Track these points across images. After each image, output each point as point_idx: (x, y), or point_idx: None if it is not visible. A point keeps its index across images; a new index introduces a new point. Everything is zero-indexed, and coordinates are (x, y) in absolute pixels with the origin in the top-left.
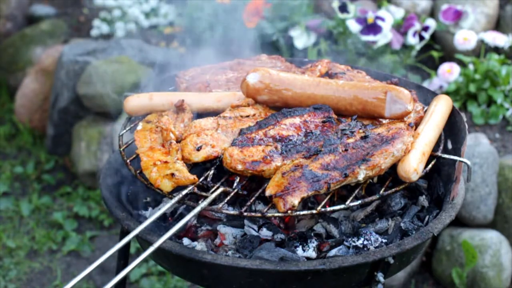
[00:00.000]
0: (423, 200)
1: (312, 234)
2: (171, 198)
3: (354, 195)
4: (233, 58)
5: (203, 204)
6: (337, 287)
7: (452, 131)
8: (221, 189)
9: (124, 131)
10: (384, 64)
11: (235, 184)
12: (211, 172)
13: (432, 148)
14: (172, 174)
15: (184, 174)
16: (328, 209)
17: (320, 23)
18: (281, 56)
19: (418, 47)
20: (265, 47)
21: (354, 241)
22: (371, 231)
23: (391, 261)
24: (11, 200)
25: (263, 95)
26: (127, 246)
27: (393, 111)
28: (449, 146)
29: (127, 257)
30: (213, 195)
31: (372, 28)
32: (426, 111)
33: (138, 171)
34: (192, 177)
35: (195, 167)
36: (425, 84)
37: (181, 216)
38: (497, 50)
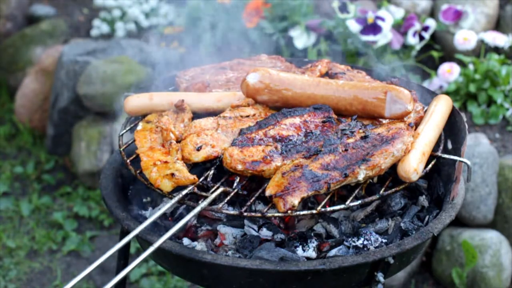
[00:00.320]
0: (423, 200)
1: (312, 234)
2: (171, 198)
3: (354, 195)
4: (233, 58)
5: (203, 204)
6: (337, 287)
7: (452, 131)
8: (221, 189)
9: (124, 131)
10: (384, 64)
11: (235, 184)
12: (211, 172)
13: (432, 148)
14: (172, 174)
15: (184, 174)
16: (328, 209)
17: (320, 23)
18: (281, 56)
19: (418, 47)
20: (265, 47)
21: (354, 241)
22: (371, 231)
23: (391, 261)
24: (11, 200)
25: (263, 95)
26: (127, 246)
27: (393, 111)
28: (449, 146)
29: (127, 257)
30: (213, 195)
31: (372, 28)
32: (426, 111)
33: (138, 171)
34: (192, 177)
35: (195, 167)
36: (425, 84)
37: (181, 216)
38: (497, 50)
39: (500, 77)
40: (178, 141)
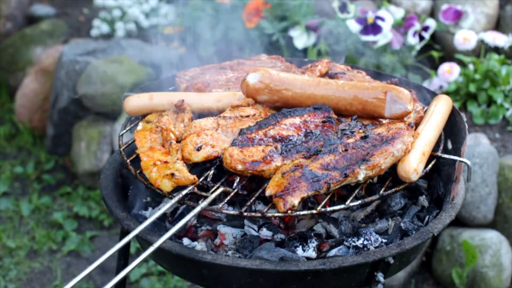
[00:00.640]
0: (423, 200)
1: (312, 234)
2: (171, 198)
3: (354, 195)
4: (233, 58)
5: (203, 204)
6: (337, 287)
7: (452, 131)
8: (221, 189)
9: (124, 131)
10: (384, 64)
11: (235, 184)
12: (211, 172)
13: (432, 148)
14: (172, 174)
15: (184, 174)
16: (328, 209)
17: (320, 23)
18: (281, 56)
19: (418, 47)
20: (265, 47)
21: (354, 241)
22: (371, 231)
23: (391, 261)
24: (11, 200)
25: (263, 95)
26: (127, 246)
27: (393, 111)
28: (449, 146)
29: (127, 257)
30: (213, 195)
31: (372, 28)
32: (426, 111)
33: (138, 171)
34: (192, 177)
35: (195, 167)
36: (425, 84)
37: (181, 216)
38: (497, 50)
39: (500, 77)
40: (178, 141)
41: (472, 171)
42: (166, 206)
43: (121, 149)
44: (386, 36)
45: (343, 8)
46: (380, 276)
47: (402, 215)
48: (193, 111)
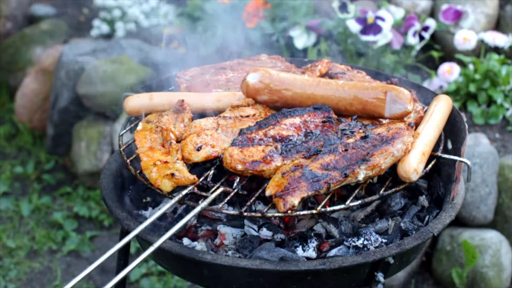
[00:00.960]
0: (423, 200)
1: (312, 234)
2: (171, 198)
3: (354, 195)
4: (233, 58)
5: (203, 204)
6: (337, 287)
7: (452, 131)
8: (221, 189)
9: (124, 131)
10: (384, 64)
11: (235, 184)
12: (211, 172)
13: (432, 148)
14: (172, 174)
15: (184, 174)
16: (328, 209)
17: (320, 23)
18: (281, 56)
19: (418, 47)
20: (265, 47)
21: (354, 241)
22: (371, 231)
23: (391, 261)
24: (11, 200)
25: (263, 95)
26: (127, 246)
27: (393, 111)
28: (449, 146)
29: (127, 257)
30: (213, 195)
31: (372, 28)
32: (426, 111)
33: (138, 171)
34: (192, 177)
35: (195, 167)
36: (425, 84)
37: (181, 216)
38: (497, 50)
39: (500, 77)
40: (178, 141)
41: (472, 171)
42: (166, 206)
43: (121, 149)
44: (386, 36)
45: (343, 8)
46: (380, 276)
47: (402, 215)
48: (193, 111)
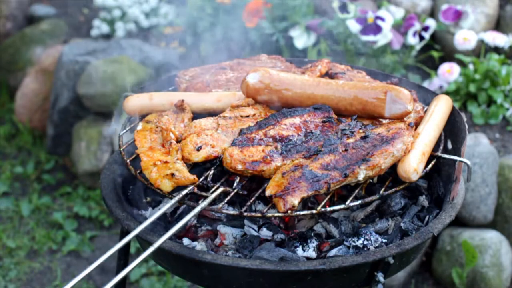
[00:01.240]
0: (423, 200)
1: (312, 234)
2: (171, 198)
3: (354, 195)
4: (233, 58)
5: (203, 204)
6: (337, 287)
7: (452, 131)
8: (221, 189)
9: (124, 131)
10: (384, 64)
11: (235, 184)
12: (211, 172)
13: (432, 148)
14: (172, 174)
15: (184, 174)
16: (328, 209)
17: (320, 23)
18: (281, 56)
19: (418, 47)
20: (265, 47)
21: (354, 241)
22: (371, 231)
23: (391, 261)
24: (11, 200)
25: (263, 95)
26: (127, 246)
27: (393, 111)
28: (449, 146)
29: (127, 257)
30: (213, 195)
31: (372, 28)
32: (426, 111)
33: (138, 171)
34: (192, 177)
35: (195, 167)
36: (425, 84)
37: (181, 216)
38: (497, 50)
39: (500, 77)
40: (178, 141)
41: (472, 171)
42: (166, 206)
43: (121, 149)
44: (386, 36)
45: (343, 8)
46: (380, 276)
47: (402, 215)
48: (193, 111)
